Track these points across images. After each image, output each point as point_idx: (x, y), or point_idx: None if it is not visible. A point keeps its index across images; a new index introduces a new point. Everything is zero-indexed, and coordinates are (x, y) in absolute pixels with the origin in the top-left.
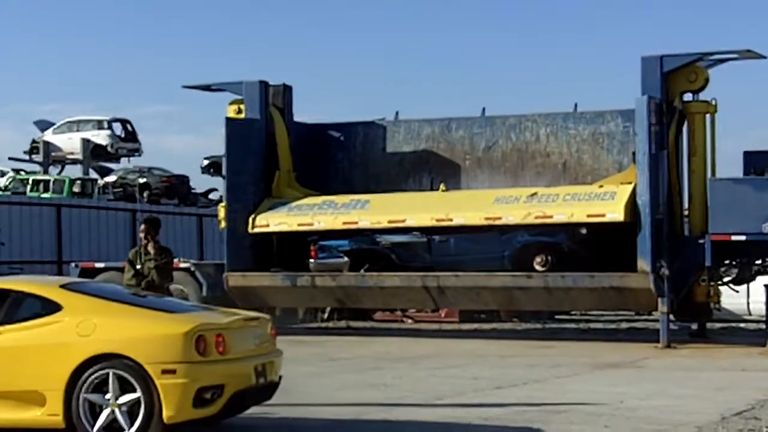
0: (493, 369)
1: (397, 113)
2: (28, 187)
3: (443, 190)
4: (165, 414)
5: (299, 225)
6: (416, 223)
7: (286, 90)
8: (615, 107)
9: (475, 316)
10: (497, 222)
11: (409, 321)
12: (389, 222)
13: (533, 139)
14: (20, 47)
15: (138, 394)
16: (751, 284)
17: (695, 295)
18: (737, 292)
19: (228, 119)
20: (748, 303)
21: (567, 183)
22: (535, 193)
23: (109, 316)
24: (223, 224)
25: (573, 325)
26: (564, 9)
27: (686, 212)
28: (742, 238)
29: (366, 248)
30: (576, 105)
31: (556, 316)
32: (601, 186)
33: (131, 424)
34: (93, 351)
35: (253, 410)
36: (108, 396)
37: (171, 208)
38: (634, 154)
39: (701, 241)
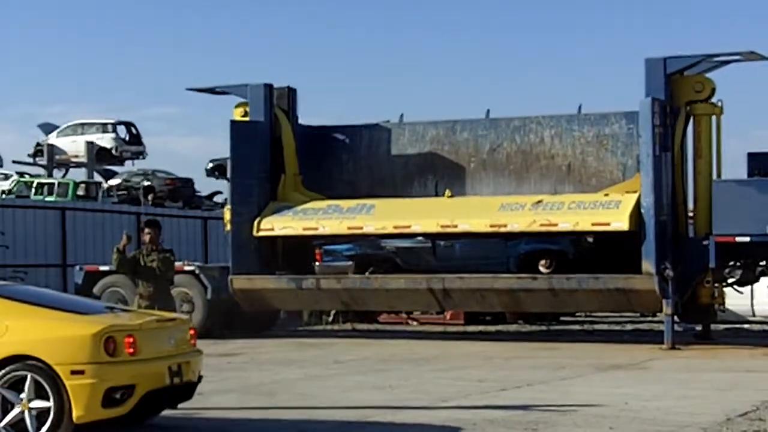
0: (498, 371)
1: (401, 115)
2: (33, 190)
3: (449, 196)
4: (74, 414)
5: (304, 229)
6: (421, 228)
7: (291, 92)
8: (619, 109)
9: (480, 318)
10: (502, 229)
11: (414, 323)
12: (395, 227)
13: (538, 141)
14: (24, 49)
15: (50, 403)
16: (755, 285)
17: (699, 296)
18: (741, 293)
19: (233, 122)
20: (752, 304)
21: (571, 185)
22: (541, 201)
23: (22, 318)
24: (228, 227)
25: (578, 327)
26: (567, 10)
27: (691, 214)
28: (746, 239)
29: (371, 253)
30: (580, 107)
31: (561, 318)
32: (606, 194)
33: (38, 428)
34: (4, 353)
35: (258, 412)
36: (22, 396)
37: (175, 211)
38: (639, 158)
39: (705, 242)
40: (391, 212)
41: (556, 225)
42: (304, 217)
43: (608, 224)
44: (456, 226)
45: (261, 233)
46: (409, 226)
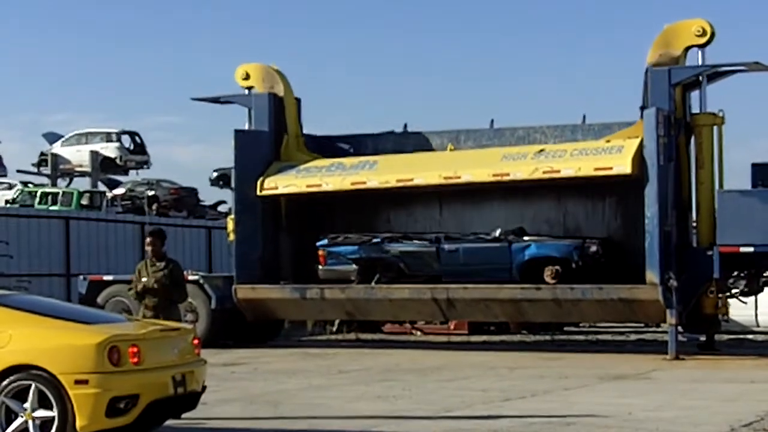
0: (502, 381)
1: (405, 125)
2: (37, 200)
3: (451, 150)
4: (78, 423)
5: (308, 186)
6: (424, 181)
7: (295, 102)
8: (623, 119)
9: (484, 328)
10: (505, 178)
11: (418, 333)
12: (397, 181)
13: None
14: (27, 57)
15: (53, 413)
16: (759, 296)
17: (703, 306)
18: (745, 303)
19: (237, 131)
20: (756, 315)
21: None
22: (543, 150)
23: (25, 327)
24: (231, 237)
25: (582, 337)
26: (572, 19)
27: (694, 224)
28: (750, 249)
29: (375, 257)
30: (584, 117)
31: (565, 328)
32: (608, 141)
33: None
34: (8, 362)
35: (261, 422)
36: (26, 405)
37: (179, 221)
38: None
39: (709, 252)
40: (394, 167)
41: (558, 172)
42: (307, 174)
43: (611, 168)
44: (459, 177)
45: (265, 192)
46: (411, 179)
